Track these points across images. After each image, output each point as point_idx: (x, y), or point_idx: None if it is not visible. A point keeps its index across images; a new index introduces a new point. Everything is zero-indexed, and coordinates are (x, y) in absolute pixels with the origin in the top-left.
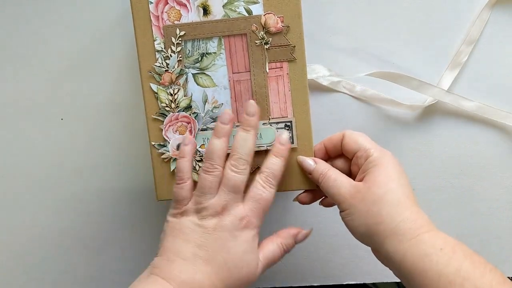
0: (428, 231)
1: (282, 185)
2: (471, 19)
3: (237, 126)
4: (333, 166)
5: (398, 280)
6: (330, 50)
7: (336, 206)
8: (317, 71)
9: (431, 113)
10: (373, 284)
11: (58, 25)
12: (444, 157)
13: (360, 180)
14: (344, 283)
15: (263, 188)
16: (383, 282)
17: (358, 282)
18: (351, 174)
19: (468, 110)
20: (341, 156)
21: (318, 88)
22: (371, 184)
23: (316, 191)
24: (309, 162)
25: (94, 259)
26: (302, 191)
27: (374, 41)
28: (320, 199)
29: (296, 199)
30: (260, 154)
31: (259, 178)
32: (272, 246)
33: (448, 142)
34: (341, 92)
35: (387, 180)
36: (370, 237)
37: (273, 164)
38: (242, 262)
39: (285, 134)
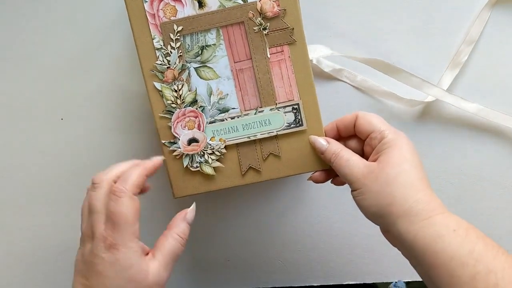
0: (441, 213)
1: (295, 168)
2: (471, 19)
3: (243, 115)
4: (345, 146)
5: (397, 280)
6: (329, 50)
7: (336, 206)
8: (318, 51)
9: (431, 112)
10: (373, 284)
11: (58, 25)
12: (444, 157)
13: (374, 161)
14: (344, 283)
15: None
16: (383, 282)
17: (358, 282)
18: (363, 155)
19: (468, 111)
20: (353, 136)
21: (319, 75)
22: (385, 164)
23: (329, 170)
24: (322, 142)
25: None
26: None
27: (374, 41)
28: (332, 178)
29: (310, 178)
30: (271, 140)
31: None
32: (167, 241)
33: (448, 142)
34: (343, 81)
35: (401, 161)
36: (381, 217)
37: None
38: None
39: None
